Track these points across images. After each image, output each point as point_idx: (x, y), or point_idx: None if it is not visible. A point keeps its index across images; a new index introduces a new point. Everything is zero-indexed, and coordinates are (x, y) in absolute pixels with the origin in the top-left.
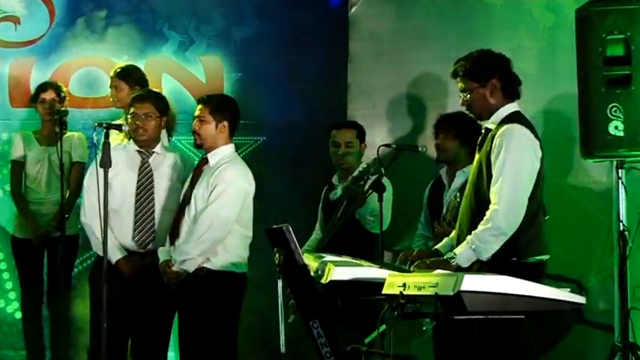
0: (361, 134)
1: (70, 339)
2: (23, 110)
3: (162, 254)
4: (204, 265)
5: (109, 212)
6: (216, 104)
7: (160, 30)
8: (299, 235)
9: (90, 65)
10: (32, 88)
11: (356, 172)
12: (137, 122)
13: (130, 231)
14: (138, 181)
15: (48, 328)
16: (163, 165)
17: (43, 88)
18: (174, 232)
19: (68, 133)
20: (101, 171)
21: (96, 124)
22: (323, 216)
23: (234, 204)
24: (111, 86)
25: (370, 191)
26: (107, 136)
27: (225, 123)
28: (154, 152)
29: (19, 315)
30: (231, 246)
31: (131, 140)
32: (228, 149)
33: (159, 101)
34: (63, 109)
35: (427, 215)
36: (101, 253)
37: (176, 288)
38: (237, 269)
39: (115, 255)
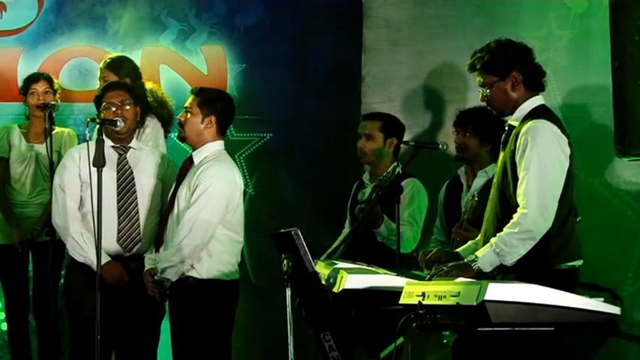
0: (388, 127)
1: (60, 351)
2: (8, 105)
3: (147, 262)
4: (190, 273)
5: (86, 214)
6: (206, 97)
7: (158, 17)
8: (309, 240)
9: (81, 55)
10: (19, 81)
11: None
12: (115, 111)
13: (113, 234)
14: (117, 180)
15: (35, 340)
16: (142, 161)
17: (34, 78)
18: (159, 238)
19: (57, 130)
20: (94, 170)
21: (89, 119)
22: (350, 217)
23: (215, 206)
24: (99, 78)
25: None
26: (101, 132)
27: (213, 118)
28: (130, 147)
29: (4, 326)
30: (216, 251)
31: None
32: (215, 147)
33: (132, 88)
34: (52, 102)
35: (443, 219)
36: (79, 259)
37: (160, 299)
38: (225, 277)
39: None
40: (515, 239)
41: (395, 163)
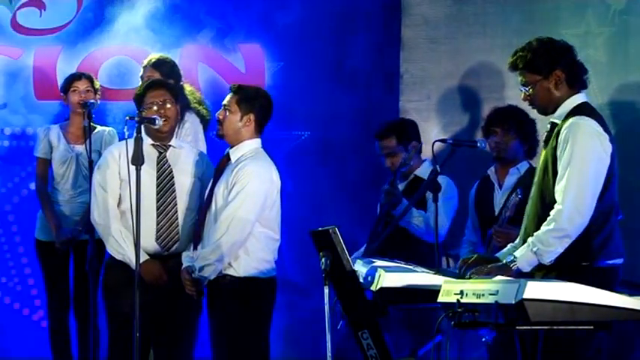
0: (404, 136)
1: (99, 348)
2: (47, 103)
3: (185, 260)
4: (227, 271)
5: (125, 212)
6: (245, 95)
7: (197, 16)
8: (347, 238)
9: (119, 54)
10: (58, 79)
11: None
12: (157, 110)
13: (152, 232)
14: (157, 178)
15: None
16: (181, 160)
17: (76, 76)
18: (196, 236)
19: (98, 129)
20: (133, 168)
21: (127, 118)
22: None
23: (253, 204)
24: (142, 77)
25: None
26: (139, 130)
27: (252, 116)
28: (170, 146)
29: (45, 324)
30: (254, 249)
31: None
32: (252, 145)
33: (173, 87)
34: (92, 101)
35: (474, 218)
36: (118, 257)
37: (198, 297)
38: (262, 274)
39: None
40: (551, 237)
41: (426, 161)
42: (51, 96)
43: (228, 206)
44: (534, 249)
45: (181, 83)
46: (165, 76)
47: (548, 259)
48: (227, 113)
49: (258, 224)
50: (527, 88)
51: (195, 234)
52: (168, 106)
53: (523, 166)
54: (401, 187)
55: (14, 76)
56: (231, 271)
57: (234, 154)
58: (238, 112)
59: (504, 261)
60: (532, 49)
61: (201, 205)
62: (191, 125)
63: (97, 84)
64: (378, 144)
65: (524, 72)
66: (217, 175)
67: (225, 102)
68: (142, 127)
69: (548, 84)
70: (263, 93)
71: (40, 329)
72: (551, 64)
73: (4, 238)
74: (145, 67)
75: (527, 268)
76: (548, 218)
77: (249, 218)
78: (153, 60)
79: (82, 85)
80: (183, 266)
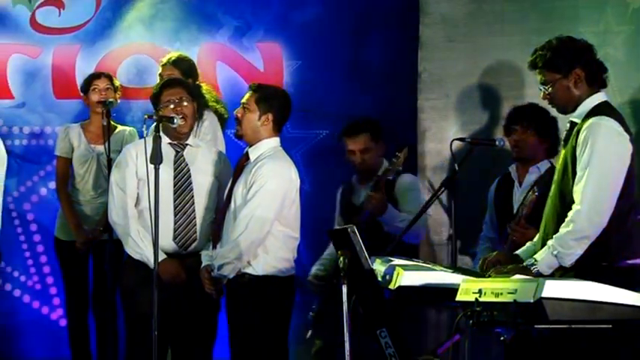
0: (376, 134)
1: (118, 347)
2: (67, 102)
3: (204, 258)
4: (246, 270)
5: (142, 212)
6: (264, 94)
7: (215, 14)
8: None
9: (138, 53)
10: (77, 78)
11: (380, 172)
12: (174, 108)
13: (170, 232)
14: (174, 177)
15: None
16: (198, 158)
17: (96, 75)
18: (215, 235)
19: (119, 128)
20: (151, 168)
21: (146, 116)
22: (344, 223)
23: (272, 202)
24: (160, 76)
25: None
26: (158, 129)
27: (270, 115)
28: (187, 144)
29: (64, 322)
30: (273, 248)
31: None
32: (271, 143)
33: (190, 85)
34: (111, 100)
35: (493, 215)
36: (136, 256)
37: (217, 296)
38: (282, 273)
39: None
40: (570, 240)
41: (392, 162)
42: (70, 95)
43: (247, 205)
44: (554, 252)
45: (198, 82)
46: (184, 74)
47: (568, 262)
48: (246, 112)
49: (278, 223)
50: (546, 87)
51: (214, 233)
52: (185, 103)
53: (544, 165)
54: (366, 188)
55: (33, 75)
56: (250, 270)
57: (253, 153)
58: (257, 111)
59: (525, 263)
60: (552, 47)
61: (219, 204)
62: (210, 124)
63: (117, 82)
64: (348, 141)
65: (543, 70)
66: (236, 174)
67: (243, 101)
68: (160, 125)
69: (567, 83)
70: (282, 92)
71: (59, 328)
72: (571, 63)
73: (23, 237)
74: (163, 65)
75: (547, 271)
76: (567, 219)
77: (268, 217)
78: (172, 58)
79: (101, 84)
80: (203, 265)
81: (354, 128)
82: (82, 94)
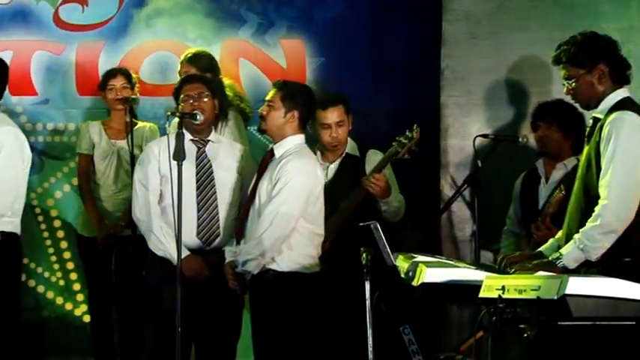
0: (348, 107)
1: (142, 344)
2: (91, 99)
3: (228, 254)
4: (271, 266)
5: (165, 208)
6: (289, 91)
7: (237, 11)
8: (387, 233)
9: (162, 49)
10: (100, 75)
11: (387, 154)
12: (192, 103)
13: (193, 228)
14: (197, 174)
15: (117, 332)
16: (220, 154)
17: (112, 74)
18: (240, 231)
19: (140, 124)
20: (174, 164)
21: (168, 113)
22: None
23: (297, 199)
24: (180, 72)
25: None
26: (180, 125)
27: (295, 113)
28: (209, 140)
29: (87, 318)
30: (297, 244)
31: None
32: (296, 140)
33: (210, 81)
34: (133, 96)
35: (518, 210)
36: (159, 253)
37: (241, 292)
38: (306, 270)
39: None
40: (597, 234)
41: (397, 142)
42: (93, 92)
43: (272, 201)
44: (581, 246)
45: (221, 77)
46: (201, 71)
47: (595, 256)
48: (270, 109)
49: (302, 219)
50: (570, 82)
51: (238, 229)
52: (204, 99)
53: (570, 162)
54: (333, 166)
55: (56, 71)
56: (274, 266)
57: (278, 149)
58: (282, 108)
59: (550, 258)
60: (576, 42)
61: (242, 199)
62: (234, 123)
63: (135, 78)
64: (324, 114)
65: (567, 65)
66: (261, 170)
67: (268, 98)
68: (183, 122)
69: (591, 78)
70: (306, 89)
71: (83, 324)
72: (595, 58)
73: (47, 233)
74: (181, 63)
75: (573, 265)
76: (594, 214)
77: (293, 213)
78: (189, 55)
79: (117, 83)
80: (227, 261)
81: (332, 99)
82: (100, 91)
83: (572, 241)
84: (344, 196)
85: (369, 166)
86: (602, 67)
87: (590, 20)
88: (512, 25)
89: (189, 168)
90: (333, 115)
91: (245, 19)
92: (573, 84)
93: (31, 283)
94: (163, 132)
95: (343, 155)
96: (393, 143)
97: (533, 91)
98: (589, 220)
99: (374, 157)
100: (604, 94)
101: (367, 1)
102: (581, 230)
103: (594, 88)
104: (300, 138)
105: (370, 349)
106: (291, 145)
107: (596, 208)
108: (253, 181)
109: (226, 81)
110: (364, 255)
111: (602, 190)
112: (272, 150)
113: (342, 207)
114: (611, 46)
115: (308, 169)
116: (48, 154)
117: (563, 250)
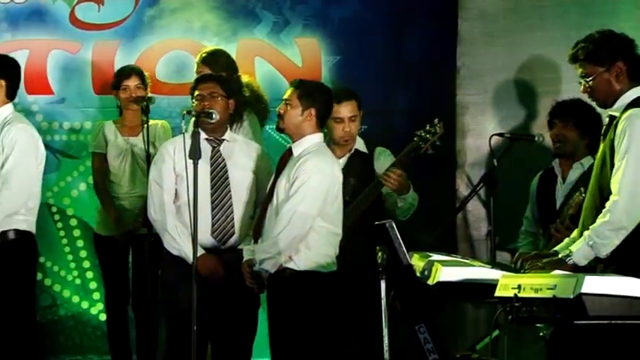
0: (360, 102)
1: (158, 342)
2: (107, 97)
3: (246, 253)
4: (288, 265)
5: (181, 207)
6: (307, 90)
7: (253, 10)
8: (403, 232)
9: (177, 48)
10: None
11: (408, 148)
12: (204, 103)
13: (208, 227)
14: (211, 172)
15: (134, 330)
16: (235, 153)
17: (125, 73)
18: (257, 230)
19: (151, 122)
20: (189, 163)
21: (184, 112)
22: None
23: (314, 198)
24: (196, 72)
25: None
26: (196, 124)
27: (313, 111)
28: (223, 139)
29: (103, 317)
30: (315, 244)
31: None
32: (314, 139)
33: (225, 81)
34: (149, 96)
35: (535, 210)
36: (174, 252)
37: (258, 291)
38: (323, 269)
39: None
40: (607, 230)
41: (418, 137)
42: (109, 90)
43: (289, 200)
44: (590, 242)
45: (238, 75)
46: (216, 71)
47: (604, 252)
48: (288, 108)
49: (320, 219)
50: (587, 80)
51: (255, 228)
52: (217, 98)
53: (587, 162)
54: (342, 162)
55: (73, 70)
56: (291, 265)
57: (297, 148)
58: (299, 107)
59: (560, 256)
60: (594, 40)
61: (259, 198)
62: (249, 124)
63: (148, 77)
64: (338, 108)
65: (585, 63)
66: (279, 169)
67: (286, 96)
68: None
69: (609, 76)
70: (324, 87)
71: (99, 322)
72: (613, 56)
73: (63, 232)
74: (197, 63)
75: (583, 262)
76: (604, 210)
77: (310, 213)
78: (203, 55)
79: (132, 83)
80: (244, 259)
81: (346, 94)
82: (113, 90)
83: (582, 238)
84: (351, 192)
85: (377, 164)
86: (620, 65)
87: (606, 19)
88: (528, 23)
89: (204, 167)
90: (346, 110)
91: (260, 18)
92: (590, 82)
93: (48, 281)
94: (177, 131)
95: (352, 151)
96: (415, 138)
97: (547, 90)
98: (599, 216)
99: (383, 155)
100: (621, 92)
101: (383, 0)
102: (590, 227)
103: (612, 86)
104: (318, 137)
105: (386, 347)
106: (309, 144)
107: (607, 204)
108: (271, 179)
109: (245, 79)
110: (380, 254)
111: (614, 186)
112: (290, 148)
113: (357, 201)
114: (629, 44)
115: (326, 169)
116: (64, 153)
117: (573, 247)
